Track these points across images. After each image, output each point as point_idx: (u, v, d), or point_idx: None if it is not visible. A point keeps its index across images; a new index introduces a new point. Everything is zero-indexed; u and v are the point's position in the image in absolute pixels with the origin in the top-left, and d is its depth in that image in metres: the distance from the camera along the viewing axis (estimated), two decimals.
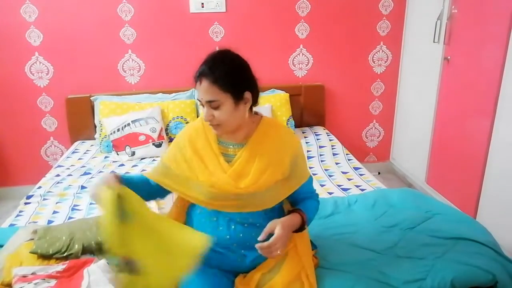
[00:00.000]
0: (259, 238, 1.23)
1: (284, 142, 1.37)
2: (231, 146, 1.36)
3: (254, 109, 1.38)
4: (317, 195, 1.50)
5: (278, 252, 1.24)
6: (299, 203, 1.41)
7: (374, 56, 3.39)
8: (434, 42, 2.83)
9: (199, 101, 1.28)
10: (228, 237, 1.33)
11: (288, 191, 1.37)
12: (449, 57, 2.75)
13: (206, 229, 1.36)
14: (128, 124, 2.77)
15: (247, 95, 1.28)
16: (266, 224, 1.30)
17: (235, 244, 1.33)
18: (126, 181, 1.31)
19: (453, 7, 2.68)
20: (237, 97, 1.25)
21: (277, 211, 1.40)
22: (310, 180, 1.44)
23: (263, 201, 1.33)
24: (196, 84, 1.26)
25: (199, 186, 1.32)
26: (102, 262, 1.41)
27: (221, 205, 1.32)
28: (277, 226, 1.25)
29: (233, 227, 1.34)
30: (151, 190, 1.41)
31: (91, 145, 3.04)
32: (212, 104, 1.24)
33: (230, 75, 1.25)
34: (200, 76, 1.24)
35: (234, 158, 1.34)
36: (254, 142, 1.34)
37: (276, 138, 1.36)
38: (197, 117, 3.00)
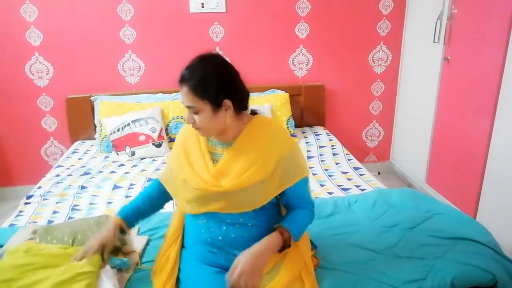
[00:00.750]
0: (227, 278, 1.22)
1: (272, 141, 1.33)
2: (220, 146, 1.37)
3: (253, 107, 1.39)
4: (311, 204, 1.43)
5: (250, 287, 1.20)
6: (289, 211, 1.40)
7: (374, 56, 3.39)
8: (434, 42, 2.83)
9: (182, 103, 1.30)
10: (220, 238, 1.33)
11: (276, 191, 1.34)
12: (449, 57, 2.75)
13: (199, 231, 1.36)
14: (128, 124, 2.77)
15: (227, 103, 1.26)
16: (258, 224, 1.31)
17: (228, 244, 1.33)
18: (129, 219, 1.46)
19: (453, 7, 2.68)
20: (216, 105, 1.25)
21: (269, 210, 1.38)
22: (304, 182, 1.39)
23: (247, 200, 1.31)
24: (179, 87, 1.27)
25: (185, 187, 1.34)
26: (106, 267, 1.40)
27: (205, 205, 1.32)
28: (240, 263, 1.21)
29: (224, 228, 1.33)
30: (156, 202, 1.53)
31: (91, 145, 3.04)
32: (191, 110, 1.27)
33: (208, 83, 1.23)
34: (180, 81, 1.25)
35: (221, 158, 1.35)
36: (240, 141, 1.34)
37: (264, 138, 1.34)
38: None
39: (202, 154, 1.36)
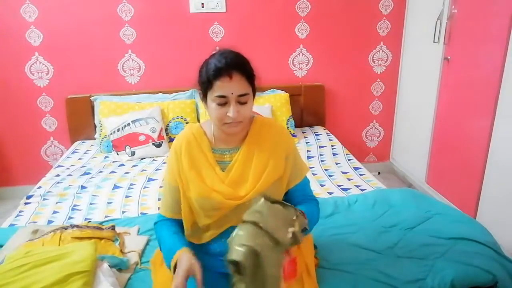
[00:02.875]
0: None
1: (278, 140, 1.33)
2: (227, 152, 1.33)
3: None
4: (316, 201, 1.45)
5: None
6: (298, 204, 1.37)
7: (374, 56, 3.38)
8: (434, 42, 2.83)
9: (222, 97, 1.18)
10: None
11: (284, 189, 1.34)
12: (449, 57, 2.75)
13: (207, 242, 1.33)
14: (128, 124, 2.77)
15: (253, 94, 1.28)
16: None
17: None
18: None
19: (453, 7, 2.68)
20: (254, 93, 1.26)
21: None
22: (307, 179, 1.41)
23: None
24: (220, 80, 1.17)
25: (202, 205, 1.28)
26: (104, 266, 1.40)
27: (225, 222, 1.29)
28: None
29: None
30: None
31: (91, 145, 3.04)
32: (242, 99, 1.19)
33: (251, 70, 1.23)
34: (228, 68, 1.16)
35: (230, 164, 1.31)
36: (249, 143, 1.31)
37: (270, 138, 1.33)
38: (197, 117, 3.00)
39: (210, 166, 1.30)
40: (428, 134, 3.05)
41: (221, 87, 1.18)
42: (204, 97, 1.26)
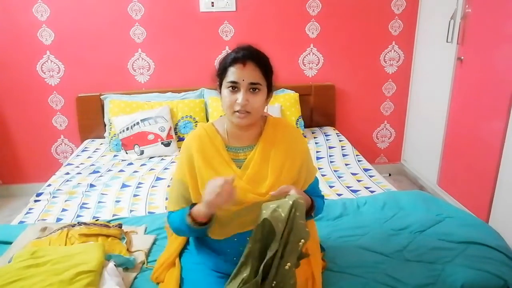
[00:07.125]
0: (272, 193, 1.18)
1: (293, 142, 1.34)
2: (241, 151, 1.32)
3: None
4: (323, 197, 1.46)
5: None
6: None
7: (386, 56, 3.34)
8: (447, 42, 2.79)
9: (233, 83, 1.21)
10: (241, 249, 1.26)
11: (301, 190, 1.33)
12: (462, 57, 2.70)
13: (220, 246, 1.31)
14: (137, 123, 2.77)
15: (271, 94, 1.30)
16: None
17: None
18: None
19: (467, 6, 2.63)
20: (269, 90, 1.28)
21: None
22: (316, 181, 1.42)
23: None
24: (234, 67, 1.21)
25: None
26: (110, 265, 1.40)
27: (241, 222, 1.26)
28: (292, 189, 1.18)
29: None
30: None
31: (101, 144, 3.06)
32: (254, 87, 1.22)
33: (270, 67, 1.28)
34: (245, 57, 1.21)
35: (245, 162, 1.30)
36: (264, 142, 1.31)
37: (285, 139, 1.33)
38: (206, 116, 2.99)
39: (226, 163, 1.28)
40: (440, 136, 3.00)
41: (234, 73, 1.22)
42: (220, 87, 1.29)
